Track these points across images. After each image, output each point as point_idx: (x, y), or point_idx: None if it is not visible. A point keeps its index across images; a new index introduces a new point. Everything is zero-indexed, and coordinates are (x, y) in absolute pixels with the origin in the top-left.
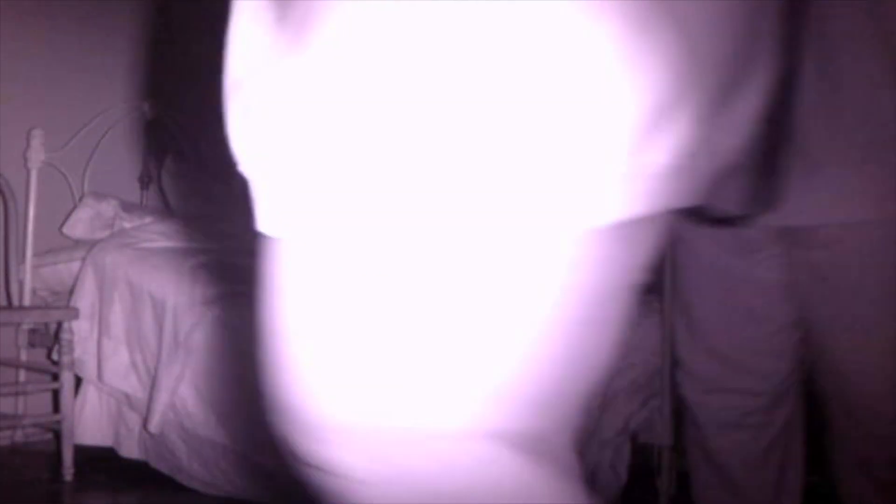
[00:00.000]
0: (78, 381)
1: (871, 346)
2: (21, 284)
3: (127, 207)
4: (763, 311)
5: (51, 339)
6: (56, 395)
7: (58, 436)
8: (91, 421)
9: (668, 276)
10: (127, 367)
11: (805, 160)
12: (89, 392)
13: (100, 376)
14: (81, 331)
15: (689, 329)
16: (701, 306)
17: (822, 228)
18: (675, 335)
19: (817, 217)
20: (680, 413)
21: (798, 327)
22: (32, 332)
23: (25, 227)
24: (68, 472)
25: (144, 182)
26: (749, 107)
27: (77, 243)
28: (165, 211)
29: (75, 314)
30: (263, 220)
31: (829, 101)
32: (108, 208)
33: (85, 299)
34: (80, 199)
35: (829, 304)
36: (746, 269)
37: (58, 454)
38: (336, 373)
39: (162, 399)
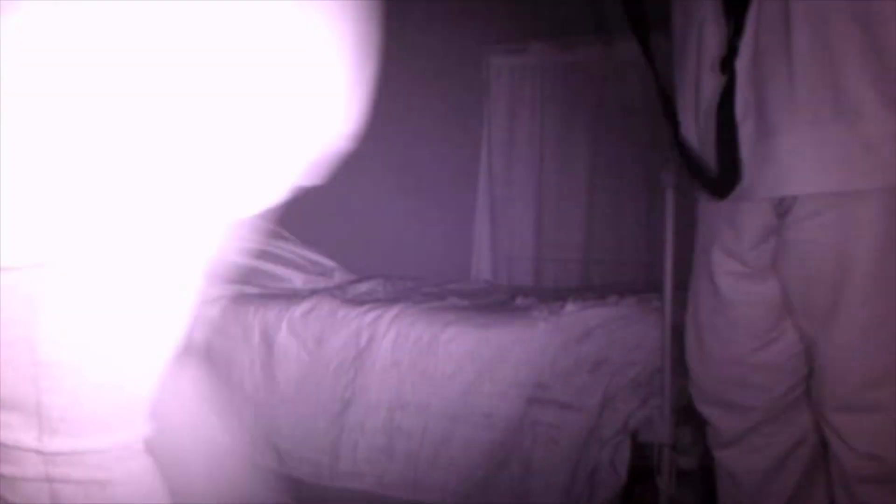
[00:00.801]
0: None
1: (845, 334)
2: None
3: None
4: (759, 324)
5: None
6: None
7: None
8: None
9: (668, 275)
10: None
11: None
12: None
13: None
14: None
15: (695, 337)
16: (704, 315)
17: (799, 201)
18: (685, 342)
19: (797, 187)
20: (680, 412)
21: (798, 340)
22: None
23: None
24: None
25: None
26: (358, 100)
27: None
28: None
29: None
30: None
31: (811, 69)
32: None
33: None
34: None
35: (804, 284)
36: (744, 284)
37: None
38: None
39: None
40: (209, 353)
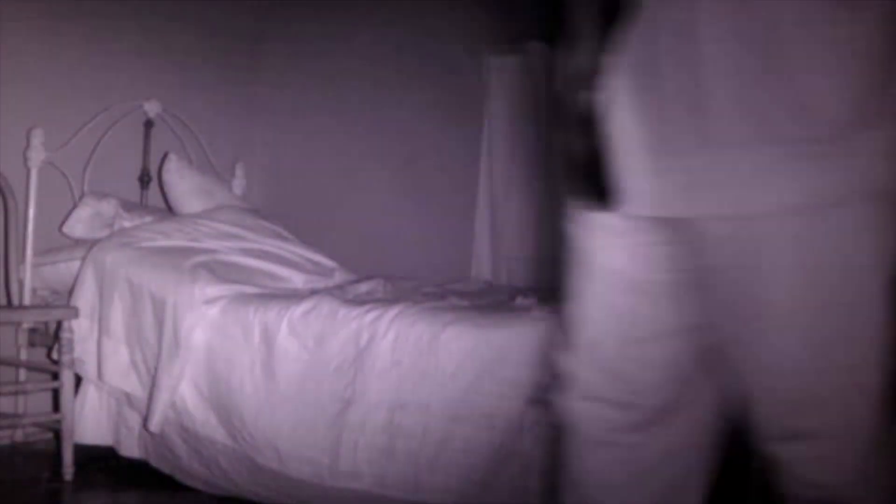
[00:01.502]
0: (78, 381)
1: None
2: (21, 284)
3: (127, 206)
4: (643, 312)
5: (51, 338)
6: (56, 394)
7: (58, 435)
8: (91, 420)
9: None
10: (127, 367)
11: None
12: (89, 391)
13: (100, 375)
14: (81, 330)
15: (567, 327)
16: (581, 303)
17: (712, 220)
18: (554, 336)
19: (700, 209)
20: None
21: (691, 337)
22: (32, 331)
23: (25, 226)
24: (68, 471)
25: (144, 181)
26: None
27: (77, 242)
28: (165, 210)
29: (75, 313)
30: None
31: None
32: (108, 207)
33: (85, 298)
34: (80, 198)
35: (720, 310)
36: (632, 266)
37: (58, 453)
38: None
39: (162, 398)
40: (209, 353)
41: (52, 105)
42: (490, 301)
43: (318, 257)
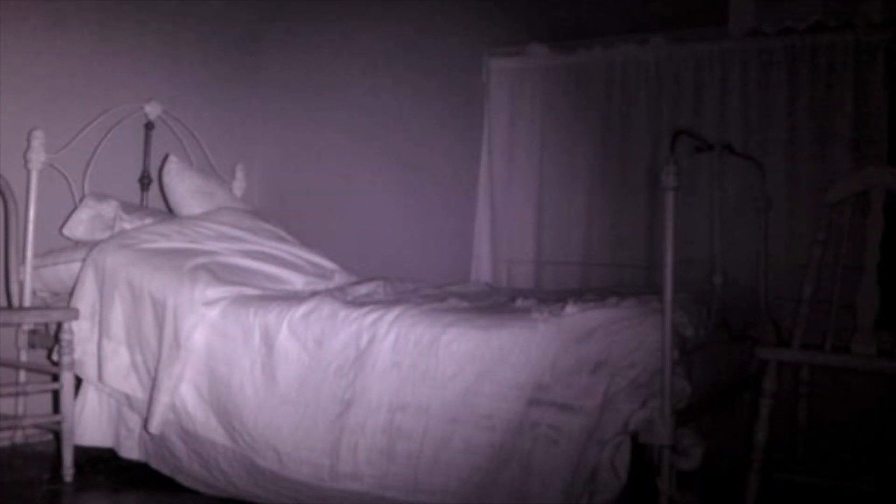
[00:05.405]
0: (78, 382)
1: None
2: (21, 285)
3: (127, 208)
4: None
5: (51, 339)
6: (56, 395)
7: (58, 436)
8: (91, 422)
9: (668, 276)
10: (127, 368)
11: None
12: (89, 393)
13: (100, 377)
14: (81, 331)
15: None
16: None
17: None
18: None
19: None
20: (680, 413)
21: None
22: (33, 332)
23: (26, 227)
24: (68, 472)
25: (145, 183)
26: None
27: (77, 244)
28: (166, 212)
29: (75, 315)
30: None
31: None
32: (109, 209)
33: (85, 300)
34: (81, 199)
35: None
36: None
37: (58, 455)
38: None
39: (162, 400)
40: (209, 355)
41: (52, 107)
42: (490, 303)
43: (318, 259)
